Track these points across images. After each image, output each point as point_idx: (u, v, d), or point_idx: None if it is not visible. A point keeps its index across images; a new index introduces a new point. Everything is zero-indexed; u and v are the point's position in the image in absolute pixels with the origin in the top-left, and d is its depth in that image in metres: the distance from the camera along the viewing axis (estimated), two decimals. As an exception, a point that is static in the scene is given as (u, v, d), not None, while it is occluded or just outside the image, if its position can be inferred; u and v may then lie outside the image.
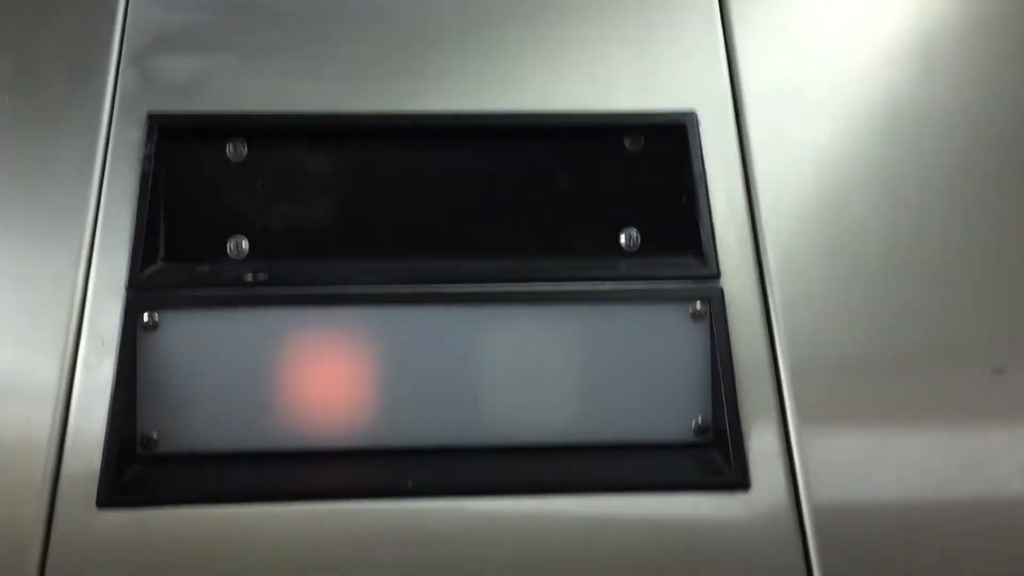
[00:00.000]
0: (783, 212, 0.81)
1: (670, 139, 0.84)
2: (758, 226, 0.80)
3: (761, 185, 0.82)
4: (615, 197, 0.83)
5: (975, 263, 0.79)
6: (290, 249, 0.80)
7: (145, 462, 0.72)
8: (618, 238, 0.82)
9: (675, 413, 0.76)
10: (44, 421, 0.71)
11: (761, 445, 0.73)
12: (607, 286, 0.78)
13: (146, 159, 0.79)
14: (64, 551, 0.67)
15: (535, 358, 0.76)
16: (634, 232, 0.82)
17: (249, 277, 0.76)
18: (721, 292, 0.77)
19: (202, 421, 0.74)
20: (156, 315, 0.74)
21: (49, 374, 0.72)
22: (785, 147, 0.83)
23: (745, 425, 0.73)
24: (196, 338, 0.75)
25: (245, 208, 0.81)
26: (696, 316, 0.77)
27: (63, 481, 0.69)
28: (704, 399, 0.76)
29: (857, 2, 0.90)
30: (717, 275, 0.78)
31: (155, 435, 0.73)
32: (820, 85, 0.86)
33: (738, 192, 0.82)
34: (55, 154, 0.80)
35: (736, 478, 0.71)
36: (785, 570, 0.69)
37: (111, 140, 0.81)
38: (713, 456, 0.74)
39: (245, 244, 0.80)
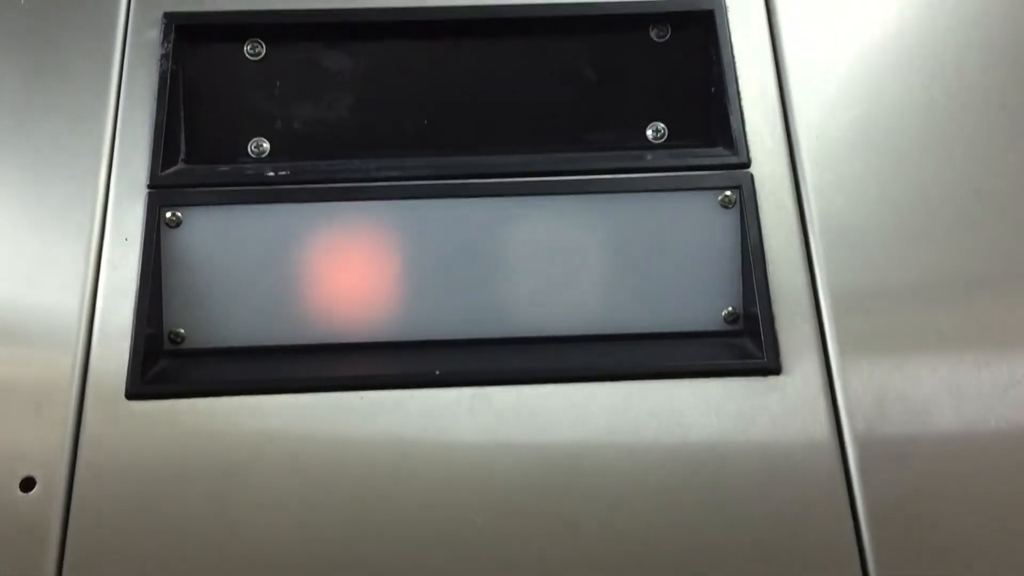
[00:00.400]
0: (815, 99, 0.78)
1: (697, 28, 0.82)
2: (789, 114, 0.78)
3: (792, 72, 0.80)
4: (641, 90, 0.82)
5: (1013, 149, 0.77)
6: (310, 148, 0.79)
7: (172, 356, 0.73)
8: (644, 132, 0.80)
9: (706, 302, 0.75)
10: (71, 318, 0.71)
11: (793, 332, 0.72)
12: (635, 176, 0.76)
13: (163, 59, 0.79)
14: (95, 441, 0.68)
15: (563, 250, 0.75)
16: (661, 126, 0.80)
17: (270, 174, 0.76)
18: (752, 179, 0.76)
19: (227, 316, 0.73)
20: (179, 212, 0.74)
21: (75, 271, 0.72)
22: (817, 34, 0.81)
23: (777, 312, 0.72)
24: (219, 235, 0.74)
25: (264, 108, 0.80)
26: (726, 204, 0.75)
27: (92, 375, 0.70)
28: (735, 288, 0.75)
29: None
30: (747, 163, 0.76)
31: (182, 330, 0.73)
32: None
33: (769, 80, 0.80)
34: (73, 55, 0.79)
35: (768, 363, 0.70)
36: (819, 455, 0.68)
37: (128, 40, 0.80)
38: (745, 343, 0.73)
39: (265, 144, 0.79)
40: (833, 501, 0.68)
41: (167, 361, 0.72)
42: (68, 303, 0.71)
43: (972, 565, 0.66)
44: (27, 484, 0.66)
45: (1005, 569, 0.66)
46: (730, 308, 0.74)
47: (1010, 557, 0.67)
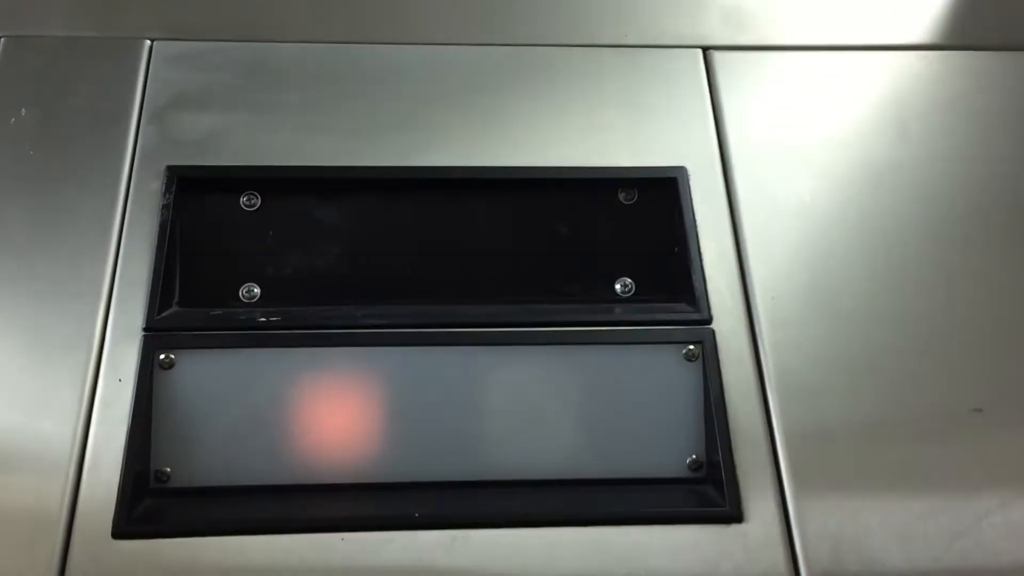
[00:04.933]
0: (770, 261, 0.85)
1: (662, 192, 0.89)
2: (747, 274, 0.85)
3: (749, 235, 0.86)
4: (610, 247, 0.88)
5: (950, 308, 0.84)
6: (299, 295, 0.84)
7: (158, 495, 0.75)
8: (613, 286, 0.86)
9: (670, 449, 0.79)
10: (62, 455, 0.73)
11: (753, 480, 0.76)
12: (604, 329, 0.82)
13: (164, 209, 0.83)
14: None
15: (535, 397, 0.79)
16: (628, 280, 0.86)
17: (261, 319, 0.80)
18: (713, 335, 0.81)
19: (214, 456, 0.76)
20: (172, 355, 0.77)
21: (69, 408, 0.75)
22: (771, 201, 0.88)
23: (738, 461, 0.76)
24: (209, 377, 0.78)
25: (257, 256, 0.85)
26: (689, 357, 0.81)
27: (80, 512, 0.71)
28: (698, 436, 0.79)
29: (837, 67, 0.97)
30: (709, 320, 0.82)
31: (168, 469, 0.75)
32: (802, 144, 0.92)
33: (727, 242, 0.86)
34: (77, 204, 0.84)
35: (730, 511, 0.74)
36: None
37: (131, 191, 0.85)
38: (707, 490, 0.77)
39: (257, 290, 0.83)
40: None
41: (152, 500, 0.74)
42: (61, 440, 0.74)
43: None
44: (11, 620, 0.67)
45: None
46: (694, 456, 0.79)
47: None
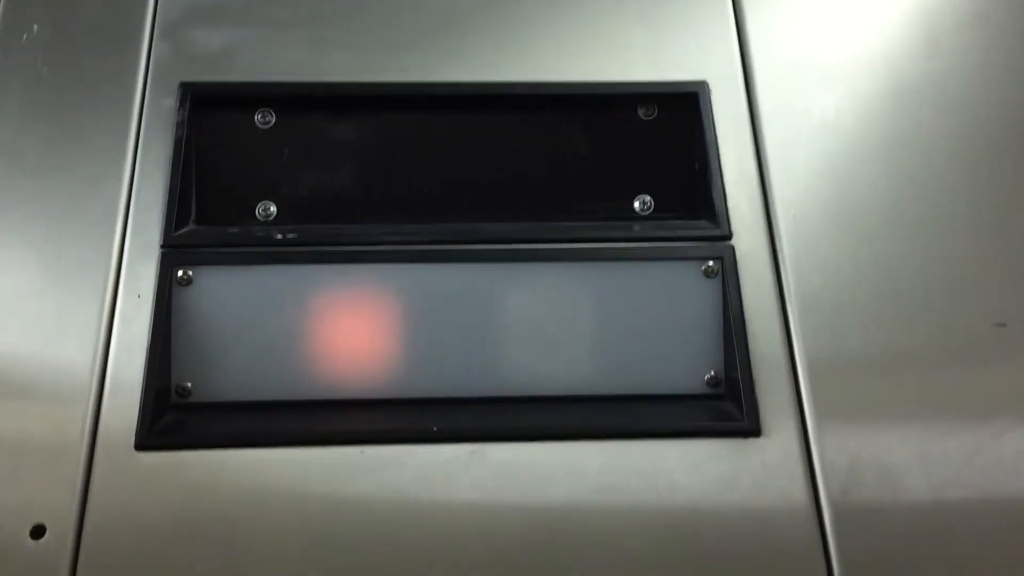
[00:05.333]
0: (792, 176, 0.84)
1: (682, 108, 0.87)
2: (768, 189, 0.83)
3: (771, 152, 0.85)
4: (629, 164, 0.86)
5: (974, 225, 0.82)
6: (315, 213, 0.83)
7: (179, 410, 0.75)
8: (632, 204, 0.85)
9: (689, 366, 0.79)
10: (84, 371, 0.74)
11: (772, 396, 0.76)
12: (623, 246, 0.81)
13: (178, 126, 0.83)
14: (104, 490, 0.70)
15: (554, 314, 0.79)
16: (647, 198, 0.85)
17: (278, 236, 0.79)
18: (733, 251, 0.80)
19: (234, 372, 0.77)
20: (190, 271, 0.77)
21: (89, 327, 0.75)
22: (794, 115, 0.86)
23: (756, 377, 0.76)
24: (228, 293, 0.78)
25: (273, 174, 0.84)
26: (708, 274, 0.80)
27: (102, 427, 0.72)
28: (717, 353, 0.79)
29: (863, -22, 0.94)
30: (729, 236, 0.81)
31: (189, 384, 0.76)
32: (828, 59, 0.89)
33: (749, 158, 0.85)
34: (92, 122, 0.83)
35: (748, 426, 0.74)
36: (796, 515, 0.72)
37: (145, 108, 0.84)
38: (726, 406, 0.77)
39: (273, 208, 0.83)
40: (810, 561, 0.71)
41: (174, 414, 0.75)
42: (82, 357, 0.74)
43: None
44: (37, 532, 0.69)
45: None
46: (712, 372, 0.79)
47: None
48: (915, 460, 0.74)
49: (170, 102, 0.84)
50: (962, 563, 0.71)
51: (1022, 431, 0.75)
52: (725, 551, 0.71)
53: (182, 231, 0.80)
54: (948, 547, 0.72)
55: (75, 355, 0.74)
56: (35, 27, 0.87)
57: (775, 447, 0.74)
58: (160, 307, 0.76)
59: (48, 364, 0.74)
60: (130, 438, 0.72)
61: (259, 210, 0.83)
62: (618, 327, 0.79)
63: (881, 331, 0.78)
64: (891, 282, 0.80)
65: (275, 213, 0.83)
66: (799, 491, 0.72)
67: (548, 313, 0.79)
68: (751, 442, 0.74)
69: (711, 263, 0.80)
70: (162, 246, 0.78)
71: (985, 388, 0.76)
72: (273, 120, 0.85)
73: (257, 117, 0.85)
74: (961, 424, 0.75)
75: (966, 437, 0.75)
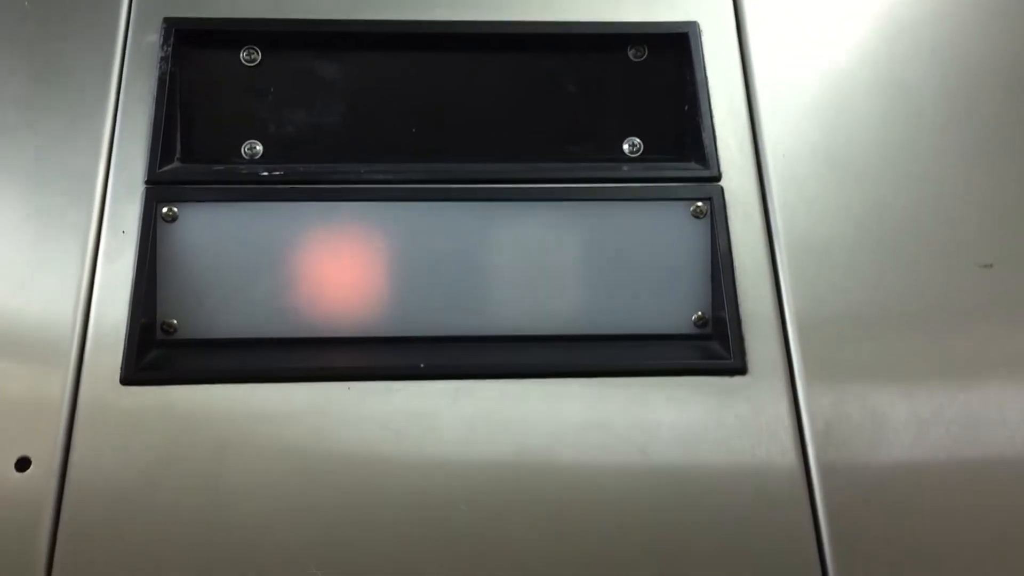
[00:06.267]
0: (782, 118, 0.83)
1: (672, 49, 0.86)
2: (757, 131, 0.83)
3: (761, 92, 0.84)
4: (619, 106, 0.86)
5: (963, 165, 0.82)
6: (302, 153, 0.83)
7: (165, 346, 0.75)
8: (621, 145, 0.84)
9: (676, 306, 0.79)
10: (68, 308, 0.73)
11: (759, 335, 0.76)
12: (611, 186, 0.80)
13: (162, 62, 0.82)
14: (89, 424, 0.70)
15: (542, 254, 0.79)
16: (636, 140, 0.85)
17: (264, 173, 0.79)
18: (722, 192, 0.80)
19: (220, 309, 0.76)
20: (175, 208, 0.77)
21: (73, 263, 0.75)
22: (785, 56, 0.86)
23: (744, 317, 0.76)
24: (212, 231, 0.77)
25: (259, 112, 0.83)
26: (697, 214, 0.80)
27: (87, 362, 0.72)
28: (705, 294, 0.79)
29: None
30: (718, 177, 0.81)
31: (175, 321, 0.76)
32: None
33: (739, 99, 0.84)
34: (75, 58, 0.82)
35: (734, 363, 0.74)
36: (780, 453, 0.72)
37: (128, 44, 0.83)
38: (712, 346, 0.77)
39: (259, 147, 0.82)
40: (794, 498, 0.71)
41: (159, 351, 0.75)
42: (66, 294, 0.74)
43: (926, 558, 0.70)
44: (22, 464, 0.68)
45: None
46: (699, 313, 0.79)
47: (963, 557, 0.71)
48: (899, 394, 0.74)
49: (154, 38, 0.83)
50: (946, 501, 0.72)
51: (1006, 374, 0.75)
52: (709, 489, 0.71)
53: (167, 168, 0.79)
54: (931, 488, 0.72)
55: (60, 292, 0.74)
56: (16, -41, 0.85)
57: (761, 385, 0.74)
58: (145, 244, 0.75)
59: (33, 301, 0.73)
60: (115, 374, 0.71)
61: (244, 149, 0.82)
62: (606, 267, 0.79)
63: (868, 267, 0.78)
64: (879, 222, 0.80)
65: (261, 152, 0.82)
66: (784, 430, 0.73)
67: (536, 253, 0.78)
68: (737, 380, 0.74)
69: (700, 204, 0.79)
70: (146, 182, 0.78)
71: (972, 323, 0.77)
72: (259, 57, 0.84)
73: (243, 54, 0.84)
74: (947, 357, 0.75)
75: (952, 371, 0.75)
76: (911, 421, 0.73)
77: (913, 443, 0.73)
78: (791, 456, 0.72)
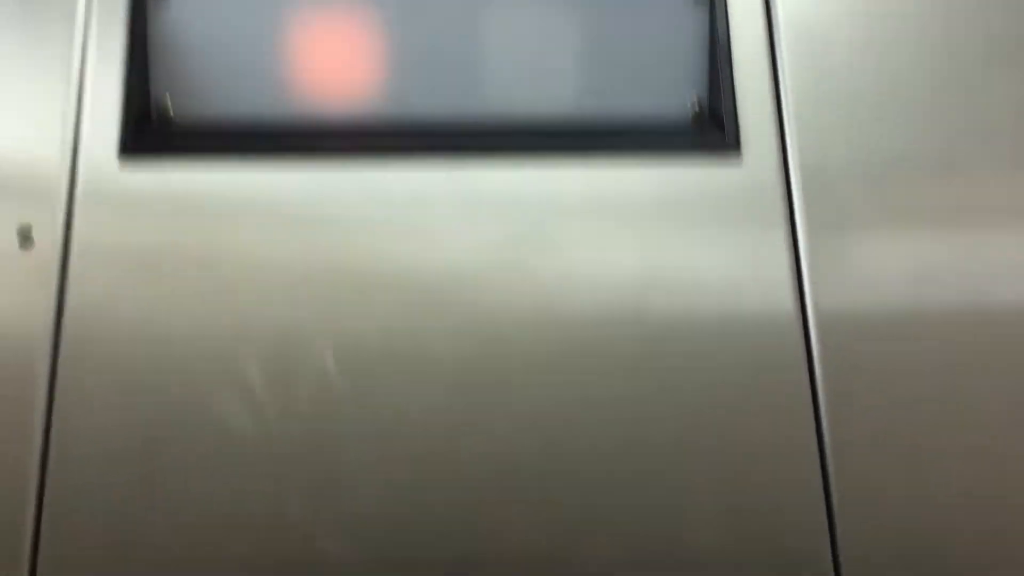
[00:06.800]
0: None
1: None
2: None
3: None
4: None
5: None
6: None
7: (160, 125, 0.75)
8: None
9: (673, 91, 0.78)
10: (59, 88, 0.73)
11: (755, 119, 0.76)
12: (611, -33, 0.79)
13: None
14: (89, 202, 0.71)
15: (541, 34, 0.77)
16: (638, -73, 0.82)
17: (257, -49, 0.77)
18: (722, -26, 0.78)
19: (214, 89, 0.76)
20: (164, -17, 0.75)
21: (63, 47, 0.74)
22: None
23: (740, 102, 0.76)
24: (205, 9, 0.76)
25: None
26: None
27: (83, 139, 0.72)
28: (703, 80, 0.78)
29: None
30: (718, -41, 0.79)
31: (169, 101, 0.75)
32: None
33: None
34: None
35: (728, 143, 0.75)
36: (774, 223, 0.73)
37: None
38: (709, 129, 0.77)
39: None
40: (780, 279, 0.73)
41: (155, 128, 0.75)
42: (57, 77, 0.73)
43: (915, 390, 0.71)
44: (25, 240, 0.69)
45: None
46: (696, 98, 0.78)
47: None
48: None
49: None
50: (943, 353, 0.72)
51: (1009, 233, 0.75)
52: (701, 266, 0.72)
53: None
54: (927, 340, 0.72)
55: (50, 74, 0.73)
56: None
57: (755, 165, 0.74)
58: (137, 20, 0.74)
59: (24, 85, 0.73)
60: (113, 152, 0.71)
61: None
62: (604, 50, 0.78)
63: (869, 59, 0.77)
64: (880, 16, 0.78)
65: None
66: (777, 213, 0.73)
67: (535, 33, 0.77)
68: (731, 160, 0.74)
69: (700, -13, 0.78)
70: (137, -43, 0.76)
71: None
72: None
73: None
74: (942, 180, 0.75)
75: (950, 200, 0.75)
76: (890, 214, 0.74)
77: (896, 258, 0.73)
78: (782, 237, 0.73)
